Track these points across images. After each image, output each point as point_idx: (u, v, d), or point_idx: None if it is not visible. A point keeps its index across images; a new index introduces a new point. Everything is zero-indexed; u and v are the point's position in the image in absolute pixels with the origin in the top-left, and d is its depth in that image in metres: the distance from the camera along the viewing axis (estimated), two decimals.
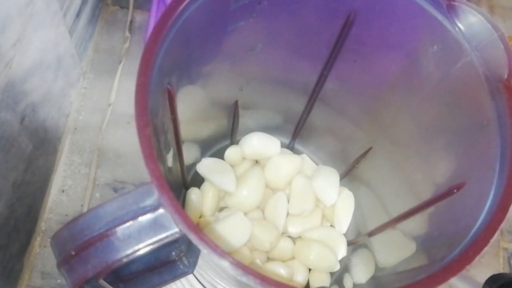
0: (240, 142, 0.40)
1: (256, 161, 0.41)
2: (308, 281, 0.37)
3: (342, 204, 0.38)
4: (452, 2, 0.25)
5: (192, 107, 0.33)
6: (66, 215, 0.43)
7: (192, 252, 0.25)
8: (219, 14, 0.26)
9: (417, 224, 0.29)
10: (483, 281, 0.29)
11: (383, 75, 0.32)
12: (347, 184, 0.40)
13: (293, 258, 0.37)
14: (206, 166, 0.38)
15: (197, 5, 0.24)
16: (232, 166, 0.39)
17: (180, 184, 0.37)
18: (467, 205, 0.24)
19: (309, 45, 0.32)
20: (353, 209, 0.39)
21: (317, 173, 0.39)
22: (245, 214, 0.36)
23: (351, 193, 0.39)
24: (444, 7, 0.25)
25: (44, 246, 0.42)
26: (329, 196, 0.38)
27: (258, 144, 0.39)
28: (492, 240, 0.21)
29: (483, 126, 0.24)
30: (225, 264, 0.19)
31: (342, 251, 0.37)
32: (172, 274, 0.26)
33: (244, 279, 0.18)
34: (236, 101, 0.37)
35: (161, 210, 0.20)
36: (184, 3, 0.23)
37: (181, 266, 0.26)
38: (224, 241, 0.34)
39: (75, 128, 0.47)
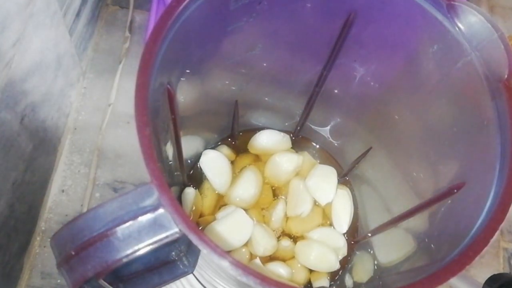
0: (252, 139, 0.40)
1: (257, 157, 0.41)
2: (309, 281, 0.37)
3: (341, 204, 0.38)
4: (452, 2, 0.25)
5: (192, 106, 0.33)
6: (66, 215, 0.43)
7: (192, 252, 0.25)
8: (219, 14, 0.26)
9: (418, 224, 0.29)
10: (483, 281, 0.29)
11: (383, 75, 0.32)
12: (349, 183, 0.40)
13: (293, 258, 0.37)
14: (207, 161, 0.38)
15: (197, 5, 0.24)
16: (232, 162, 0.39)
17: (180, 184, 0.37)
18: (467, 205, 0.24)
19: (309, 45, 0.32)
20: (351, 209, 0.39)
21: (313, 173, 0.39)
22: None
23: (349, 192, 0.39)
24: (444, 7, 0.25)
25: (44, 246, 0.42)
26: (324, 195, 0.38)
27: (268, 141, 0.39)
28: (492, 240, 0.21)
29: (483, 126, 0.24)
30: (225, 264, 0.19)
31: (342, 251, 0.37)
32: (172, 274, 0.26)
33: (244, 279, 0.18)
34: (236, 101, 0.37)
35: (161, 210, 0.20)
36: (184, 3, 0.23)
37: (181, 266, 0.26)
38: (224, 240, 0.34)
39: (75, 128, 0.47)
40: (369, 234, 0.36)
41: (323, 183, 0.38)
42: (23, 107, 0.36)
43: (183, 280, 0.32)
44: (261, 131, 0.40)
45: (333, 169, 0.40)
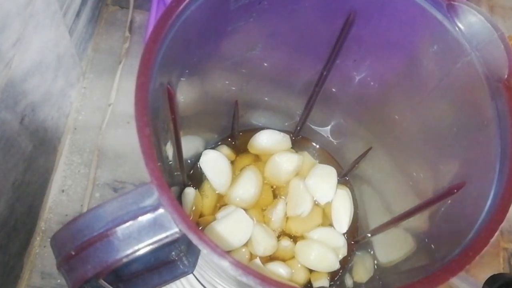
0: (252, 139, 0.40)
1: (257, 157, 0.41)
2: (309, 281, 0.37)
3: (341, 204, 0.38)
4: (452, 2, 0.25)
5: (192, 106, 0.33)
6: (66, 215, 0.43)
7: (192, 252, 0.25)
8: (219, 14, 0.26)
9: (418, 223, 0.29)
10: (483, 281, 0.29)
11: (383, 75, 0.32)
12: (349, 183, 0.40)
13: (293, 258, 0.37)
14: (207, 161, 0.38)
15: (197, 5, 0.24)
16: (232, 162, 0.39)
17: (180, 184, 0.37)
18: (467, 205, 0.24)
19: (309, 45, 0.32)
20: (351, 209, 0.39)
21: (313, 172, 0.39)
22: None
23: (349, 192, 0.39)
24: (444, 7, 0.25)
25: (44, 246, 0.42)
26: (324, 195, 0.38)
27: (268, 141, 0.39)
28: (492, 240, 0.21)
29: (483, 126, 0.24)
30: (225, 264, 0.19)
31: (342, 251, 0.37)
32: (172, 274, 0.26)
33: (244, 279, 0.18)
34: (236, 101, 0.37)
35: (161, 210, 0.20)
36: (184, 3, 0.23)
37: (181, 266, 0.26)
38: (225, 240, 0.34)
39: (75, 128, 0.47)
40: (369, 234, 0.36)
41: (323, 183, 0.38)
42: (23, 107, 0.36)
43: (183, 280, 0.32)
44: (261, 131, 0.40)
45: (333, 169, 0.40)
